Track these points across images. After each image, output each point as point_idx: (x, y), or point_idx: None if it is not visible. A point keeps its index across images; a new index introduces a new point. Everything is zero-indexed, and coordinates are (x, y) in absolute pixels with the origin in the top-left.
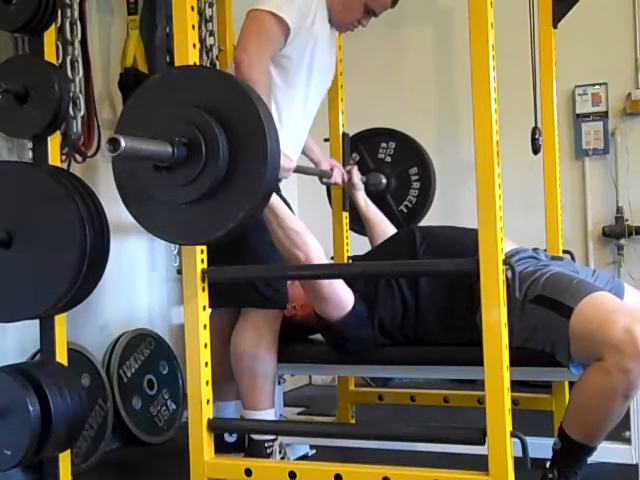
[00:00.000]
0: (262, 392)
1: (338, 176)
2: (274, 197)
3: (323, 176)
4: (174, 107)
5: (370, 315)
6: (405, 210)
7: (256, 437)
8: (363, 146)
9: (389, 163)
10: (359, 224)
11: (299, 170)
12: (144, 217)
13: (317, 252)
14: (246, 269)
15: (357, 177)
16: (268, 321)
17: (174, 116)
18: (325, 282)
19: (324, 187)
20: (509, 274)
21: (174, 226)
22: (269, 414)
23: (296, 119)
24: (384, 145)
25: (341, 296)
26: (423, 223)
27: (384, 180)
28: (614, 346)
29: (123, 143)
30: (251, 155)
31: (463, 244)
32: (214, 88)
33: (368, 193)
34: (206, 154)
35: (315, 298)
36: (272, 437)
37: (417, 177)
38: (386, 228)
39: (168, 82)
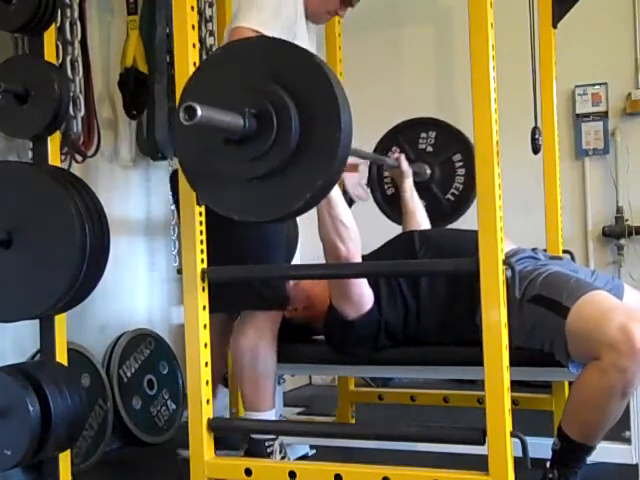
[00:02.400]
0: (263, 393)
1: (404, 162)
2: None
3: (389, 165)
4: (241, 78)
5: (379, 317)
6: (452, 198)
7: (256, 436)
8: (402, 138)
9: (431, 152)
10: (392, 210)
11: (365, 156)
12: (214, 197)
13: (358, 252)
14: (246, 269)
15: (406, 164)
16: (268, 322)
17: (242, 87)
18: (352, 280)
19: None
20: (509, 274)
21: (247, 202)
22: (270, 415)
23: None
24: (424, 135)
25: (363, 295)
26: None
27: (428, 170)
28: (610, 345)
29: (199, 111)
30: (324, 124)
31: (463, 247)
32: (283, 59)
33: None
34: (277, 125)
35: (339, 294)
36: (272, 436)
37: (461, 163)
38: (422, 219)
39: (234, 54)
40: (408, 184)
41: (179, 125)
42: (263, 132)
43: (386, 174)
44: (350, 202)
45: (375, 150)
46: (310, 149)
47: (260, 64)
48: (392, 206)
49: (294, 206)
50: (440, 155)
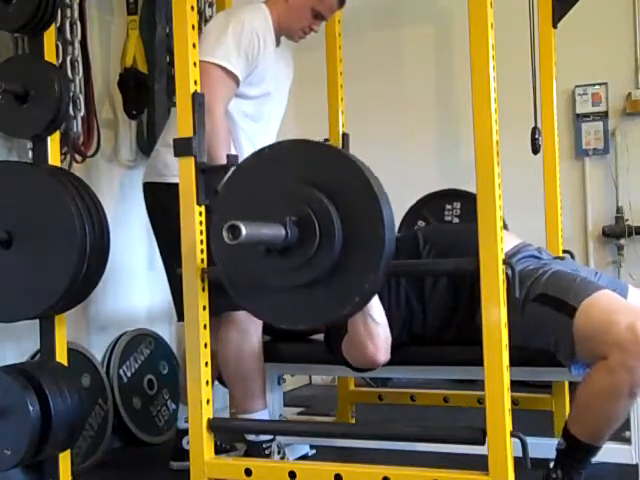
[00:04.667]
0: (252, 395)
1: None
2: None
3: None
4: (277, 184)
5: None
6: None
7: (253, 438)
8: (427, 211)
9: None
10: None
11: None
12: (260, 306)
13: (387, 351)
14: None
15: None
16: (249, 322)
17: (279, 194)
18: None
19: None
20: (509, 272)
21: (295, 310)
22: (263, 415)
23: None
24: (449, 207)
25: (378, 361)
26: None
27: None
28: (618, 345)
29: (244, 231)
30: (366, 224)
31: (468, 244)
32: (317, 160)
33: None
34: (320, 230)
35: (357, 336)
36: (269, 438)
37: None
38: None
39: (267, 159)
40: None
41: (219, 241)
42: (306, 239)
43: None
44: None
45: (401, 225)
46: (355, 251)
47: (295, 168)
48: None
49: (343, 311)
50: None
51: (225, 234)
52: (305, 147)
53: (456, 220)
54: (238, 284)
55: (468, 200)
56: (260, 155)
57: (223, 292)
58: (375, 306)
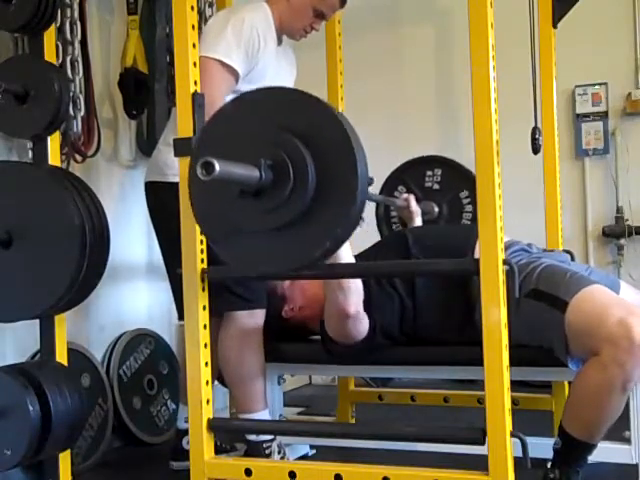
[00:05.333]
0: (253, 395)
1: (413, 203)
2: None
3: (399, 206)
4: (254, 130)
5: (372, 322)
6: None
7: (254, 438)
8: (408, 177)
9: (438, 190)
10: None
11: (375, 199)
12: (232, 249)
13: (359, 305)
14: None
15: (414, 204)
16: (251, 322)
17: (256, 139)
18: (351, 321)
19: None
20: (509, 272)
21: (266, 254)
22: (263, 415)
23: None
24: (429, 173)
25: (360, 333)
26: None
27: (436, 208)
28: (609, 340)
29: (217, 167)
30: (340, 172)
31: (454, 243)
32: (295, 108)
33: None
34: (294, 175)
35: (334, 328)
36: (270, 437)
37: (468, 200)
38: None
39: (245, 105)
40: (417, 223)
41: (194, 179)
42: (280, 183)
43: (393, 213)
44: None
45: (381, 190)
46: (328, 197)
47: (273, 115)
48: None
49: (314, 255)
50: (447, 193)
51: (199, 170)
52: (284, 94)
53: (436, 186)
54: (213, 227)
55: (448, 167)
56: (240, 101)
57: (225, 291)
58: (347, 260)
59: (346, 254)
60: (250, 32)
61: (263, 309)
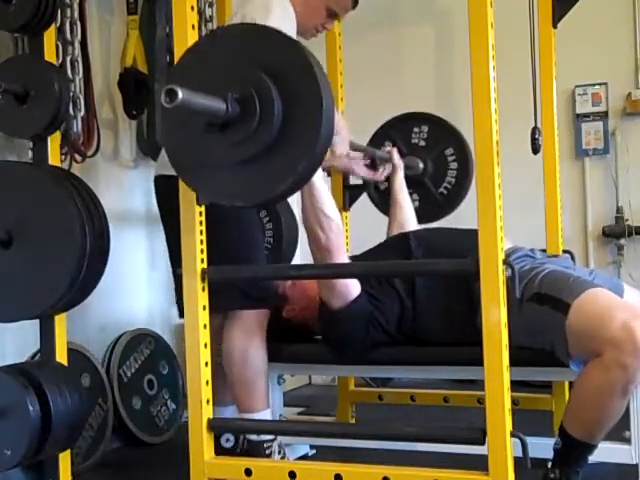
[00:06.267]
0: (255, 394)
1: (395, 155)
2: (317, 173)
3: (381, 157)
4: (225, 64)
5: (370, 307)
6: (445, 192)
7: (255, 438)
8: (395, 133)
9: (424, 147)
10: (385, 204)
11: (357, 148)
12: (199, 181)
13: (339, 245)
14: (246, 269)
15: (397, 157)
16: (256, 321)
17: (225, 73)
18: None
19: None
20: (509, 273)
21: (232, 187)
22: (265, 415)
23: None
24: (416, 129)
25: (347, 284)
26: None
27: (421, 164)
28: (612, 342)
29: (180, 94)
30: (306, 109)
31: (460, 248)
32: (265, 44)
33: (406, 178)
34: (260, 110)
35: (323, 284)
36: (271, 437)
37: (454, 157)
38: (410, 215)
39: (218, 40)
40: (399, 176)
41: (162, 108)
42: (246, 117)
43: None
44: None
45: (368, 145)
46: (293, 134)
47: (243, 50)
48: (385, 201)
49: (277, 190)
50: (432, 149)
51: (163, 97)
52: (257, 30)
53: (422, 143)
54: (181, 159)
55: (435, 124)
56: (211, 37)
57: (231, 290)
58: (326, 202)
59: (320, 184)
60: (292, 24)
61: (269, 308)
